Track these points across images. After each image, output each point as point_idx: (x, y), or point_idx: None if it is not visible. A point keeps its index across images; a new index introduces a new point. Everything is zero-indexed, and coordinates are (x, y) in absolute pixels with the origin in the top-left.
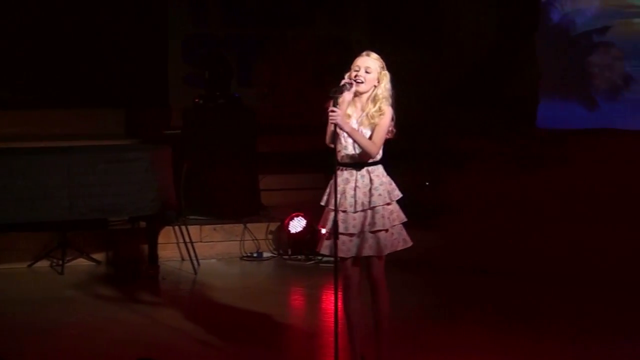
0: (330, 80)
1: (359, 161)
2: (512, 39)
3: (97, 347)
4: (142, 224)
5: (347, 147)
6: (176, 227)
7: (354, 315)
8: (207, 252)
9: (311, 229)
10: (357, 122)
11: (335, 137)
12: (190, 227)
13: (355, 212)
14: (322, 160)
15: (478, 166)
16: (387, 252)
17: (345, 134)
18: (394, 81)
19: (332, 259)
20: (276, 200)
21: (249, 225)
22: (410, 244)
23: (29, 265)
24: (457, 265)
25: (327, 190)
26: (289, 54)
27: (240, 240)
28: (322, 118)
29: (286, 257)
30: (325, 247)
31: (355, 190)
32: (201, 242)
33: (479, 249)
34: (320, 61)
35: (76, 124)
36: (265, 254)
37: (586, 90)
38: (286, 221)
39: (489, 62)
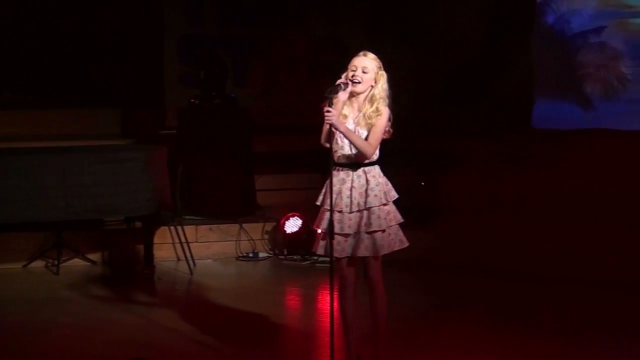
0: (325, 80)
1: (355, 161)
2: (507, 38)
3: (92, 348)
4: (138, 224)
5: (344, 147)
6: (172, 227)
7: (350, 315)
8: (203, 252)
9: (307, 229)
10: (353, 122)
11: (330, 137)
12: (186, 227)
13: (351, 212)
14: (318, 161)
15: (474, 166)
16: (383, 252)
17: (341, 134)
18: (391, 81)
19: (327, 259)
20: (272, 200)
21: (244, 225)
22: (406, 244)
23: (24, 266)
24: (453, 265)
25: (323, 190)
26: (284, 54)
27: (236, 241)
28: (318, 118)
29: (282, 257)
30: (320, 247)
31: (351, 190)
32: (197, 242)
33: (476, 249)
34: (315, 61)
35: (72, 124)
36: (261, 254)
37: (582, 91)
38: (282, 221)
39: (484, 62)
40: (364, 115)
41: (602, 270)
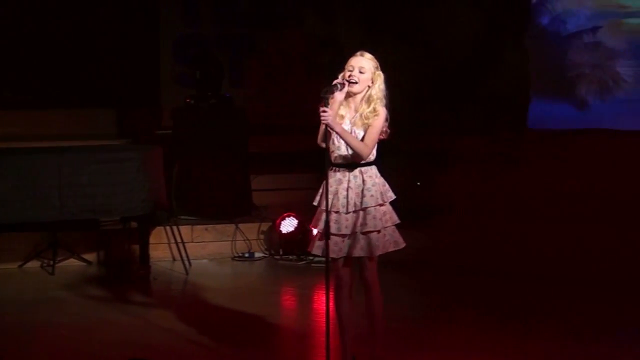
0: (322, 80)
1: (352, 162)
2: (502, 39)
3: (88, 348)
4: (134, 224)
5: (340, 147)
6: (167, 228)
7: (346, 315)
8: (199, 252)
9: (303, 229)
10: (350, 122)
11: (327, 137)
12: (181, 227)
13: (348, 212)
14: (314, 161)
15: (469, 166)
16: (378, 253)
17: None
18: (388, 81)
19: (323, 259)
20: (268, 200)
21: (240, 225)
22: (402, 245)
23: (20, 266)
24: (449, 265)
25: (320, 190)
26: (280, 54)
27: (232, 241)
28: (315, 118)
29: (278, 257)
30: (317, 248)
31: (347, 190)
32: (192, 242)
33: (472, 249)
34: (312, 61)
35: (68, 124)
36: (257, 254)
37: (577, 91)
38: (278, 221)
39: (480, 62)
40: (360, 115)
41: (599, 269)
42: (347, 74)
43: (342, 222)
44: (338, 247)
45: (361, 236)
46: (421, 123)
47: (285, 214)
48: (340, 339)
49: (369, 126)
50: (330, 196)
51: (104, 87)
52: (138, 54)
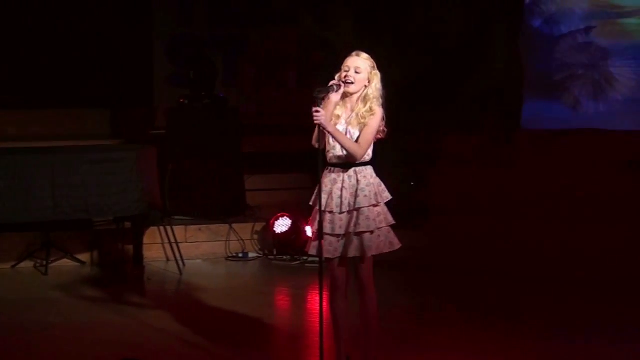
0: (316, 80)
1: (347, 162)
2: (496, 39)
3: (81, 348)
4: (127, 224)
5: (336, 147)
6: (161, 228)
7: (341, 316)
8: (193, 252)
9: (296, 229)
10: (345, 122)
11: (321, 137)
12: (175, 228)
13: (342, 213)
14: (307, 161)
15: (463, 166)
16: (371, 254)
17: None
18: (384, 80)
19: (317, 259)
20: (261, 200)
21: (234, 225)
22: (397, 247)
23: (13, 266)
24: (442, 265)
25: (316, 190)
26: (274, 54)
27: (226, 241)
28: (308, 118)
29: (271, 257)
30: (313, 248)
31: (342, 191)
32: (186, 242)
33: (465, 249)
34: (305, 61)
35: (61, 124)
36: (251, 254)
37: (570, 91)
38: (271, 221)
39: (473, 62)
40: (357, 114)
41: (592, 269)
42: (343, 74)
43: (336, 222)
44: (333, 247)
45: (355, 237)
46: (414, 123)
47: (279, 214)
48: (335, 339)
49: (364, 126)
50: (324, 196)
51: (97, 87)
52: (131, 54)
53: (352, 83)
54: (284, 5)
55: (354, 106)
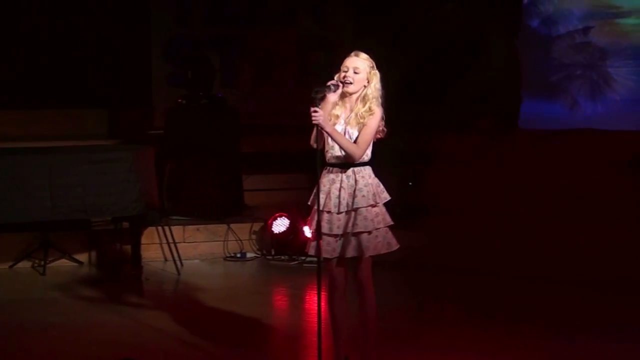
0: (314, 80)
1: (345, 162)
2: (494, 39)
3: (79, 349)
4: (125, 224)
5: (334, 147)
6: (159, 228)
7: (339, 316)
8: (191, 252)
9: (294, 229)
10: (344, 122)
11: (319, 137)
12: (173, 228)
13: (340, 212)
14: (306, 161)
15: (462, 166)
16: (368, 254)
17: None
18: (383, 80)
19: (315, 259)
20: (260, 200)
21: (232, 225)
22: (395, 247)
23: (11, 266)
24: (440, 265)
25: (315, 190)
26: (272, 54)
27: (224, 241)
28: (306, 118)
29: (270, 257)
30: (312, 248)
31: (340, 190)
32: (184, 242)
33: (465, 249)
34: (304, 61)
35: (59, 124)
36: (249, 255)
37: (568, 91)
38: (269, 221)
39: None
40: (355, 114)
41: (589, 268)
42: (342, 74)
43: (334, 222)
44: (331, 247)
45: (352, 237)
46: (412, 122)
47: (277, 214)
48: (333, 340)
49: (363, 126)
50: (323, 196)
51: (95, 87)
52: (129, 54)
53: (351, 83)
54: (282, 5)
55: (353, 106)
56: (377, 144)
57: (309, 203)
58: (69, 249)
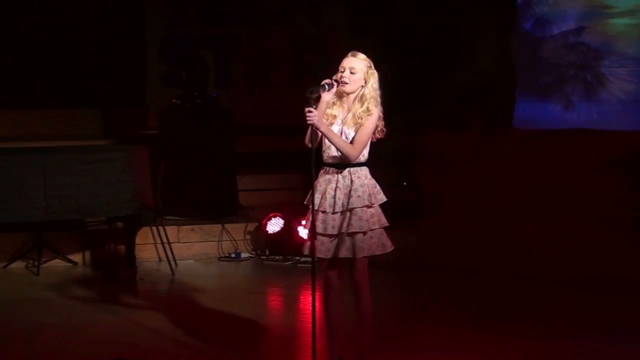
0: (309, 80)
1: (342, 162)
2: (488, 39)
3: (73, 349)
4: (120, 224)
5: (331, 147)
6: (154, 228)
7: (335, 316)
8: (185, 252)
9: (289, 229)
10: (341, 122)
11: (313, 137)
12: (167, 228)
13: (334, 213)
14: (300, 161)
15: (456, 166)
16: (362, 255)
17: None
18: (382, 80)
19: (310, 259)
20: (254, 200)
21: (226, 225)
22: (390, 249)
23: (4, 267)
24: (435, 265)
25: (311, 190)
26: (266, 54)
27: (218, 241)
28: (301, 118)
29: (264, 257)
30: (306, 248)
31: (335, 191)
32: (179, 242)
33: (457, 249)
34: (297, 61)
35: (53, 124)
36: (243, 255)
37: (562, 91)
38: (264, 221)
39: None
40: (353, 115)
41: (583, 268)
42: (339, 75)
43: (328, 222)
44: (325, 248)
45: (347, 237)
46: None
47: (272, 214)
48: (328, 340)
49: (360, 126)
50: (318, 196)
51: (89, 87)
52: (124, 54)
53: (346, 83)
54: (277, 5)
55: (351, 106)
56: (372, 144)
57: (305, 202)
58: (63, 249)
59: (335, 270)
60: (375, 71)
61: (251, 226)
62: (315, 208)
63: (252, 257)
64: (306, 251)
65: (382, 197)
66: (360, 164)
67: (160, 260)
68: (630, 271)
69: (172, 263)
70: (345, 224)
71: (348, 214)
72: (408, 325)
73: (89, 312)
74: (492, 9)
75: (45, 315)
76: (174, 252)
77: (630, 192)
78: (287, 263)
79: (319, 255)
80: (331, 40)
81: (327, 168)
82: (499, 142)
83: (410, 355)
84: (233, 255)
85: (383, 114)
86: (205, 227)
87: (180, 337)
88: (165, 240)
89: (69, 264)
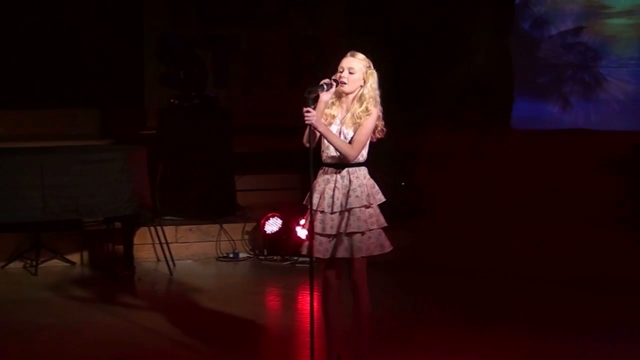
0: (307, 80)
1: (340, 162)
2: (486, 39)
3: (72, 349)
4: (118, 224)
5: (330, 147)
6: (152, 228)
7: (332, 316)
8: (183, 252)
9: (287, 229)
10: (340, 122)
11: (311, 137)
12: (165, 228)
13: (333, 213)
14: (298, 161)
15: (454, 166)
16: (360, 255)
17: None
18: (381, 80)
19: (308, 259)
20: (252, 200)
21: (224, 225)
22: (388, 249)
23: (2, 267)
24: (433, 265)
25: (310, 190)
26: (264, 54)
27: (216, 241)
28: (299, 118)
29: (262, 257)
30: (304, 248)
31: (334, 190)
32: (177, 242)
33: (458, 249)
34: (295, 61)
35: (51, 124)
36: (241, 255)
37: (560, 91)
38: (262, 221)
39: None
40: (352, 115)
41: (581, 269)
42: (338, 75)
43: (327, 222)
44: (324, 247)
45: (345, 237)
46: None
47: (270, 214)
48: (326, 340)
49: (359, 126)
50: (317, 195)
51: (87, 87)
52: (122, 54)
53: (345, 83)
54: (275, 5)
55: (350, 106)
56: (371, 144)
57: (304, 202)
58: (61, 249)
59: (334, 270)
60: (374, 71)
61: (249, 226)
62: (314, 208)
63: (250, 257)
64: (304, 251)
65: (380, 197)
66: (359, 164)
67: (158, 260)
68: (630, 271)
69: (170, 263)
70: (343, 224)
71: (346, 214)
72: (407, 326)
73: (87, 312)
74: (491, 9)
75: (44, 316)
76: (172, 252)
77: (629, 191)
78: (285, 263)
79: (317, 255)
80: (330, 41)
81: (326, 168)
82: (497, 142)
83: (409, 355)
84: (231, 255)
85: (383, 113)
86: (204, 227)
87: (179, 337)
88: (163, 240)
89: (67, 264)
